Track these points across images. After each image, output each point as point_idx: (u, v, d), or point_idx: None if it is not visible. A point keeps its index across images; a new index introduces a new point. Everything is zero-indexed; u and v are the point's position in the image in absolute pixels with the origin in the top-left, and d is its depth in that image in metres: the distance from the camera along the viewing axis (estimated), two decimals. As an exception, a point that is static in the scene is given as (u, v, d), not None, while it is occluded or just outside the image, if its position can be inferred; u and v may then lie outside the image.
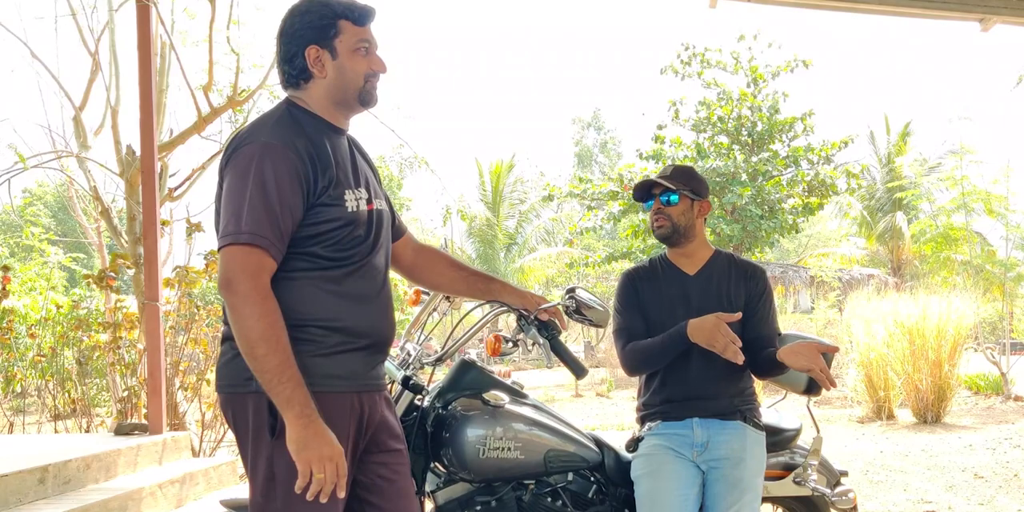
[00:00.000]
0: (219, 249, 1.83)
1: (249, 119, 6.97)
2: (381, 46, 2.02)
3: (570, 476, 2.58)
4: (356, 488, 1.96)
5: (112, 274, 5.66)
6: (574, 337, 22.21)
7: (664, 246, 2.81)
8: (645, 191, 2.76)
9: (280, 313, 1.79)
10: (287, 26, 1.97)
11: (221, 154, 1.98)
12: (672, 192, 2.69)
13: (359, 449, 1.95)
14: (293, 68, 1.95)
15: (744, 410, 2.66)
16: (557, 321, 2.31)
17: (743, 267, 2.77)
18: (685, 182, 2.71)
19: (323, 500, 1.77)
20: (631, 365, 2.69)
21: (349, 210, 1.91)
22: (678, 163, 2.95)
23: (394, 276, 2.39)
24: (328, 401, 1.83)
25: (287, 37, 1.96)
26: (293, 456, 1.74)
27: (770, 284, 2.77)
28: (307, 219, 1.86)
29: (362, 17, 1.97)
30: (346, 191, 1.91)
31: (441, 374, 2.60)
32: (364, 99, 2.00)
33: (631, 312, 2.72)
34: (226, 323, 1.90)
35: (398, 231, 2.23)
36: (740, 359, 2.42)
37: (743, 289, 2.70)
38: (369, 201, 1.97)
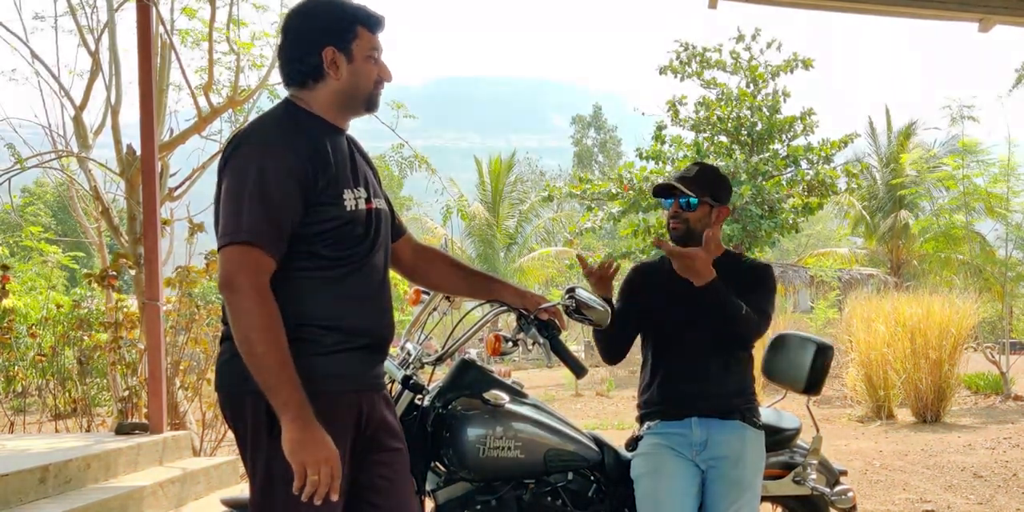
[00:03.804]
0: (219, 249, 1.84)
1: (249, 119, 6.97)
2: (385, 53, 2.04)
3: (570, 475, 2.59)
4: (356, 488, 1.96)
5: (114, 273, 5.66)
6: (574, 337, 22.20)
7: None
8: (666, 188, 2.75)
9: (279, 314, 1.80)
10: (302, 25, 1.96)
11: (220, 154, 1.98)
12: (692, 197, 2.67)
13: (358, 449, 1.96)
14: (305, 66, 1.95)
15: (743, 409, 2.67)
16: (557, 321, 2.32)
17: (747, 265, 2.77)
18: (707, 188, 2.69)
19: (317, 502, 1.78)
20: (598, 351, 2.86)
21: (348, 209, 1.91)
22: (701, 162, 2.92)
23: (395, 276, 2.39)
24: (328, 401, 1.84)
25: (301, 36, 1.95)
26: (288, 458, 1.75)
27: (771, 276, 2.74)
28: (306, 218, 1.86)
29: (376, 25, 1.99)
30: (345, 190, 1.92)
31: (441, 374, 2.60)
32: (370, 104, 2.02)
33: (621, 301, 2.78)
34: (225, 323, 1.90)
35: (398, 231, 2.23)
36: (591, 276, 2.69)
37: (743, 285, 2.69)
38: (368, 200, 1.97)
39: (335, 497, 1.80)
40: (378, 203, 2.02)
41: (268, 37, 6.80)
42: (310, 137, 1.91)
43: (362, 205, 1.95)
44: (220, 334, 1.97)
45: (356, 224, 1.93)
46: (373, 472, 1.99)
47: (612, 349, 2.80)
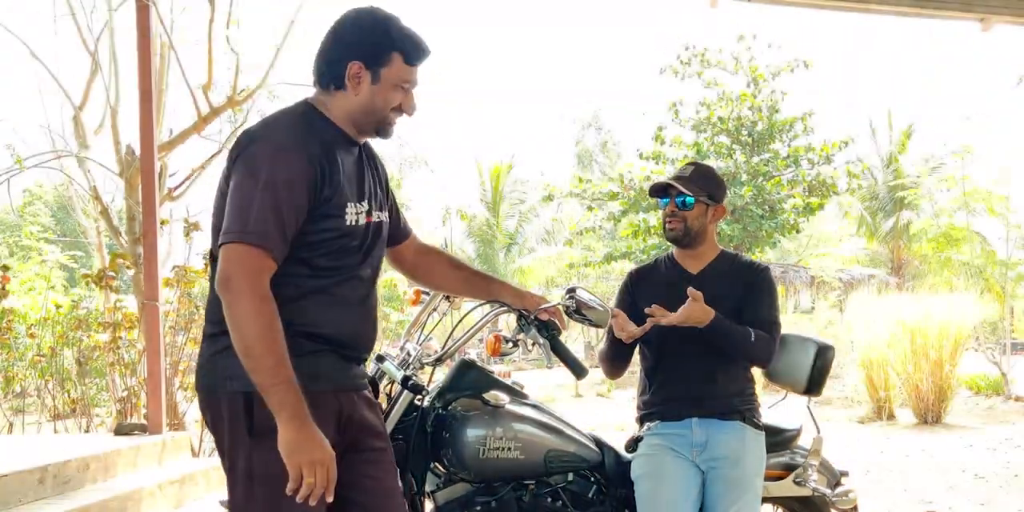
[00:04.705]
0: (220, 245, 1.81)
1: (249, 119, 6.97)
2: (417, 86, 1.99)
3: (570, 476, 2.58)
4: (340, 487, 1.94)
5: (112, 274, 5.66)
6: (574, 337, 22.19)
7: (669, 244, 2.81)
8: (662, 188, 2.75)
9: (277, 315, 1.77)
10: (342, 32, 1.93)
11: (230, 148, 1.94)
12: (688, 195, 2.67)
13: (339, 449, 1.94)
14: (331, 71, 1.92)
15: (743, 410, 2.66)
16: (557, 321, 2.31)
17: (744, 266, 2.77)
18: (703, 187, 2.69)
19: (312, 503, 1.75)
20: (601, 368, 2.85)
21: (348, 223, 1.90)
22: (696, 161, 2.93)
23: (395, 276, 2.38)
24: (307, 400, 1.82)
25: (336, 41, 1.92)
26: (284, 458, 1.73)
27: (770, 279, 2.73)
28: (305, 226, 1.84)
29: (416, 57, 1.94)
30: (348, 204, 1.90)
31: (441, 374, 2.59)
32: (381, 131, 1.98)
33: (620, 306, 2.75)
34: (208, 321, 1.89)
35: (403, 233, 2.22)
36: (623, 336, 2.57)
37: (741, 286, 2.69)
38: (369, 213, 1.96)
39: (330, 498, 1.78)
40: (379, 216, 2.00)
41: (267, 38, 6.80)
42: (324, 144, 1.88)
43: (362, 220, 1.93)
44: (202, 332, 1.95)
45: (353, 238, 1.92)
46: (358, 471, 1.96)
47: (618, 358, 2.75)
